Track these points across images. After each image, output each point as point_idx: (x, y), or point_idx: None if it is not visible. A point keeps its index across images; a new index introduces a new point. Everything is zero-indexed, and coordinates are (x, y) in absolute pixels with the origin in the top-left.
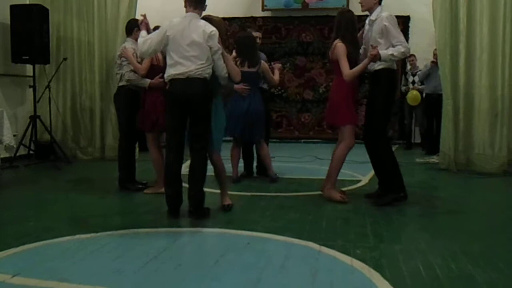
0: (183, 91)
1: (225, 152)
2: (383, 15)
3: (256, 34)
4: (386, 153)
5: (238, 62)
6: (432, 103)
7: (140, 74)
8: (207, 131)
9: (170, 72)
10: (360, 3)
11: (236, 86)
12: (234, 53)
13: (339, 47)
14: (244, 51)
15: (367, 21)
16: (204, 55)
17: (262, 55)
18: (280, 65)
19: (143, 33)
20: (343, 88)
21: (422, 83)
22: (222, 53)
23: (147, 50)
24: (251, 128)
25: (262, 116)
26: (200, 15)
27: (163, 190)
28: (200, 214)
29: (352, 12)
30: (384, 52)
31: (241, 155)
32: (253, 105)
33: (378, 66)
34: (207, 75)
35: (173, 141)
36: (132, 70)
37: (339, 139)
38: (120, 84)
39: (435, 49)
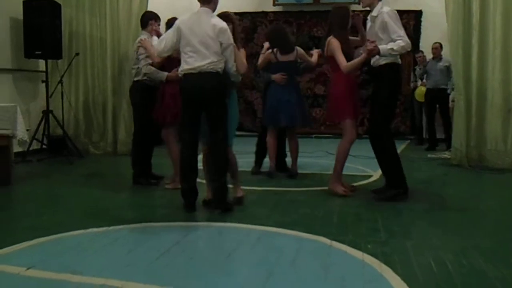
0: (196, 86)
1: (238, 147)
2: (384, 11)
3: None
4: (389, 149)
5: (275, 52)
6: (434, 98)
7: (154, 61)
8: (224, 124)
9: (183, 67)
10: (359, 2)
11: (273, 76)
12: (267, 44)
13: (333, 42)
14: (276, 42)
15: (369, 18)
16: (215, 50)
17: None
18: (319, 50)
19: (154, 38)
20: (342, 84)
21: (421, 79)
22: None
23: (164, 49)
24: (294, 115)
25: (302, 104)
26: (213, 10)
27: None
28: (225, 207)
29: (346, 9)
30: (383, 47)
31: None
32: (293, 94)
33: (382, 61)
34: (219, 69)
35: (187, 136)
36: (149, 64)
37: (343, 134)
38: (136, 78)
39: (434, 43)
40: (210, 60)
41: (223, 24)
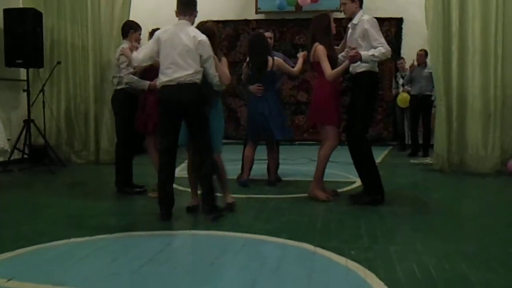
0: (174, 97)
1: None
2: (364, 19)
3: (267, 34)
4: (366, 155)
5: (248, 63)
6: (418, 104)
7: (134, 65)
8: (205, 131)
9: (161, 78)
10: (342, 10)
11: (250, 87)
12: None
13: (320, 49)
14: (253, 51)
15: (349, 25)
16: (194, 62)
17: (279, 54)
18: (304, 53)
19: (134, 53)
20: (327, 88)
21: (408, 85)
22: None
23: (143, 58)
24: (269, 129)
25: (278, 117)
26: (192, 22)
27: None
28: (216, 214)
29: (327, 16)
30: (364, 53)
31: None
32: (268, 105)
33: (359, 68)
34: (197, 81)
35: (165, 145)
36: (131, 73)
37: (322, 139)
38: (118, 87)
39: (420, 50)
40: (189, 72)
41: (203, 36)
